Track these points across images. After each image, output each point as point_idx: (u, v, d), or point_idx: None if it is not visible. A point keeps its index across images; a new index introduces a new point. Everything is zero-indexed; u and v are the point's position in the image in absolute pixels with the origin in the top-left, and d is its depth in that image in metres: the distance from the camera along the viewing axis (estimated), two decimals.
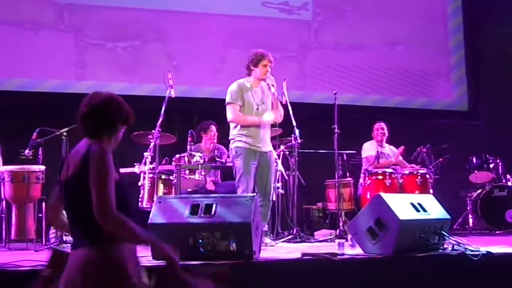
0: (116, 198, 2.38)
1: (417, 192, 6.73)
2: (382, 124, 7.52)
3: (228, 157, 6.14)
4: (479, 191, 7.64)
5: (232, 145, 5.55)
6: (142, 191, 6.07)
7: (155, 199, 4.96)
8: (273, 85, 5.56)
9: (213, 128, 6.93)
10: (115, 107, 2.56)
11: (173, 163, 6.16)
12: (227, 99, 5.53)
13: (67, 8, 7.55)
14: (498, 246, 4.84)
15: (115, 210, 2.36)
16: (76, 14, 7.58)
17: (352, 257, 4.19)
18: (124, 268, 2.40)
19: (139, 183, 6.09)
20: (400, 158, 7.43)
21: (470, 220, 7.67)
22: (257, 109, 5.55)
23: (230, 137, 5.59)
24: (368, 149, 7.41)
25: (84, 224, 2.43)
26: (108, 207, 2.35)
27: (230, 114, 5.52)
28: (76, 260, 2.39)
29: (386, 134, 7.50)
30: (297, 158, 6.25)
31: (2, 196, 5.67)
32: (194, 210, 3.97)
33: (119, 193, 2.42)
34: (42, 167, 5.69)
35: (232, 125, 5.58)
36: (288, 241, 5.95)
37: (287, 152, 6.54)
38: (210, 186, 6.58)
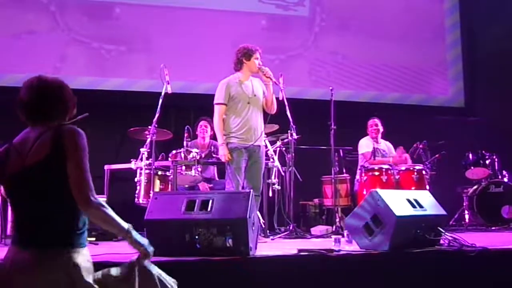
0: None
1: (413, 188, 6.75)
2: (376, 120, 7.52)
3: None
4: (475, 187, 7.66)
5: (225, 140, 5.55)
6: (138, 187, 6.08)
7: (151, 195, 4.96)
8: (270, 76, 5.58)
9: (203, 123, 6.94)
10: (67, 92, 2.45)
11: (169, 159, 6.16)
12: (215, 99, 5.61)
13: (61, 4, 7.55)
14: (494, 242, 4.84)
15: (94, 193, 2.29)
16: (70, 11, 7.57)
17: (348, 253, 4.18)
18: (91, 269, 2.34)
19: (136, 179, 6.09)
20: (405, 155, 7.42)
21: (466, 216, 7.69)
22: (248, 102, 5.56)
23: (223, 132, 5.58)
24: (365, 145, 7.42)
25: (44, 220, 2.27)
26: (91, 190, 2.28)
27: (215, 114, 5.61)
28: (28, 262, 2.25)
29: (381, 130, 7.51)
30: (293, 154, 6.24)
31: None
32: (190, 206, 3.96)
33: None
34: None
35: (225, 119, 5.59)
36: (285, 237, 5.95)
37: (284, 148, 6.54)
38: (203, 188, 6.57)
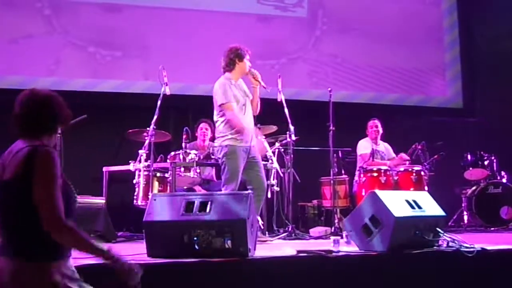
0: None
1: (412, 189, 6.75)
2: (376, 122, 7.52)
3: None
4: (474, 188, 7.66)
5: (223, 143, 5.46)
6: (137, 189, 6.08)
7: (150, 196, 4.96)
8: (259, 79, 5.60)
9: (203, 125, 6.93)
10: (57, 105, 2.44)
11: (168, 160, 6.16)
12: (222, 99, 5.45)
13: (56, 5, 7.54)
14: (493, 243, 4.84)
15: (64, 217, 2.22)
16: (66, 14, 7.56)
17: (347, 254, 4.18)
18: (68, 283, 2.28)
19: (134, 181, 6.09)
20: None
21: (465, 217, 7.70)
22: (244, 104, 5.53)
23: (219, 134, 5.51)
24: (363, 147, 7.42)
25: (21, 232, 2.27)
26: (58, 214, 2.21)
27: (229, 114, 5.44)
28: (8, 271, 2.24)
29: (380, 131, 7.50)
30: (292, 156, 6.25)
31: None
32: (189, 207, 3.95)
33: (65, 198, 2.29)
34: None
35: (221, 123, 5.51)
36: (284, 238, 5.95)
37: (282, 150, 6.54)
38: (199, 191, 6.56)
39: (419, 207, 4.40)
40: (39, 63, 7.36)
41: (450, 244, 4.35)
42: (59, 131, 5.03)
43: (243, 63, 5.57)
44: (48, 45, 7.45)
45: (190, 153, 6.07)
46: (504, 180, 7.60)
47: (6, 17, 7.35)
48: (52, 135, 2.44)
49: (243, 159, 5.46)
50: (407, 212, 4.30)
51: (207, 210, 3.92)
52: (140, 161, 6.03)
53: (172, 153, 6.17)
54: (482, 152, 7.68)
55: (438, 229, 4.40)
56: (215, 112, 5.60)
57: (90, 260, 3.46)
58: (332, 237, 4.59)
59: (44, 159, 2.26)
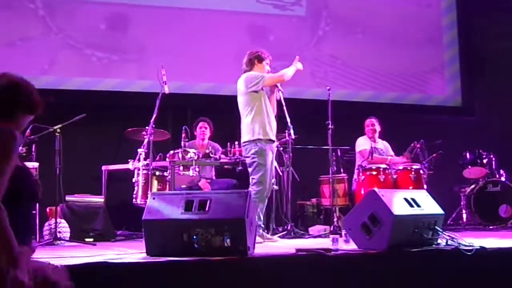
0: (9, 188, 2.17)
1: (411, 187, 6.77)
2: (373, 120, 7.52)
3: (224, 154, 6.16)
4: (472, 186, 7.67)
5: (253, 137, 5.46)
6: (136, 188, 6.08)
7: (149, 195, 4.97)
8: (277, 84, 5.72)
9: (202, 124, 6.93)
10: (20, 91, 2.42)
11: (167, 159, 6.16)
12: (259, 76, 5.54)
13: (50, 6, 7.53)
14: (492, 241, 4.85)
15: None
16: (60, 14, 7.55)
17: (346, 253, 4.18)
18: None
19: (133, 180, 6.10)
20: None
21: (464, 216, 7.71)
22: (269, 97, 5.68)
23: (247, 132, 5.49)
24: (362, 144, 7.42)
25: None
26: None
27: (269, 77, 5.64)
28: None
29: (378, 129, 7.51)
30: (291, 154, 6.26)
31: None
32: (188, 206, 3.95)
33: (15, 183, 2.22)
34: (36, 164, 5.67)
35: (248, 117, 5.51)
36: (283, 237, 5.95)
37: (281, 148, 6.54)
38: (203, 186, 6.55)
39: (418, 206, 4.41)
40: (36, 64, 7.33)
41: (449, 242, 4.35)
42: (56, 128, 5.05)
43: (262, 65, 5.67)
44: (45, 47, 7.42)
45: (189, 151, 6.07)
46: (502, 179, 7.60)
47: (3, 19, 7.34)
48: (13, 121, 2.39)
49: (271, 157, 5.50)
50: (406, 210, 4.30)
51: (206, 208, 3.92)
52: (139, 160, 6.03)
53: (171, 152, 6.17)
54: (481, 151, 7.69)
55: (437, 227, 4.40)
56: (241, 110, 5.61)
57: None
58: (331, 236, 4.59)
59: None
